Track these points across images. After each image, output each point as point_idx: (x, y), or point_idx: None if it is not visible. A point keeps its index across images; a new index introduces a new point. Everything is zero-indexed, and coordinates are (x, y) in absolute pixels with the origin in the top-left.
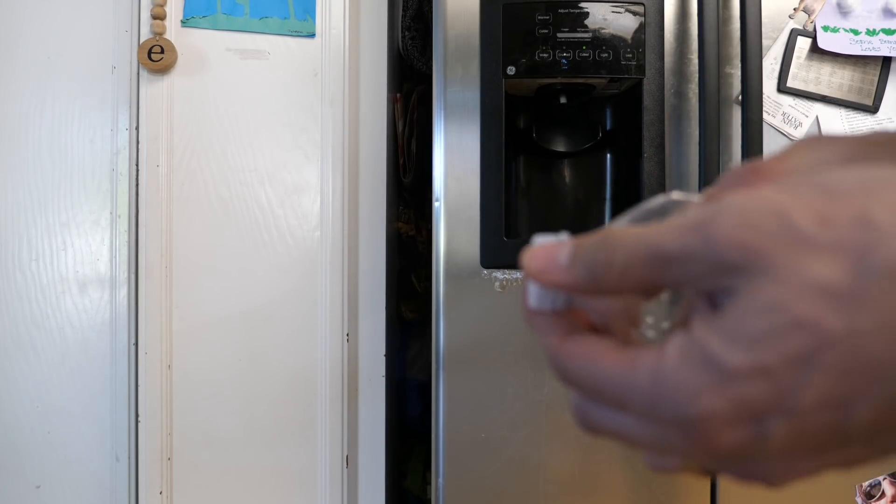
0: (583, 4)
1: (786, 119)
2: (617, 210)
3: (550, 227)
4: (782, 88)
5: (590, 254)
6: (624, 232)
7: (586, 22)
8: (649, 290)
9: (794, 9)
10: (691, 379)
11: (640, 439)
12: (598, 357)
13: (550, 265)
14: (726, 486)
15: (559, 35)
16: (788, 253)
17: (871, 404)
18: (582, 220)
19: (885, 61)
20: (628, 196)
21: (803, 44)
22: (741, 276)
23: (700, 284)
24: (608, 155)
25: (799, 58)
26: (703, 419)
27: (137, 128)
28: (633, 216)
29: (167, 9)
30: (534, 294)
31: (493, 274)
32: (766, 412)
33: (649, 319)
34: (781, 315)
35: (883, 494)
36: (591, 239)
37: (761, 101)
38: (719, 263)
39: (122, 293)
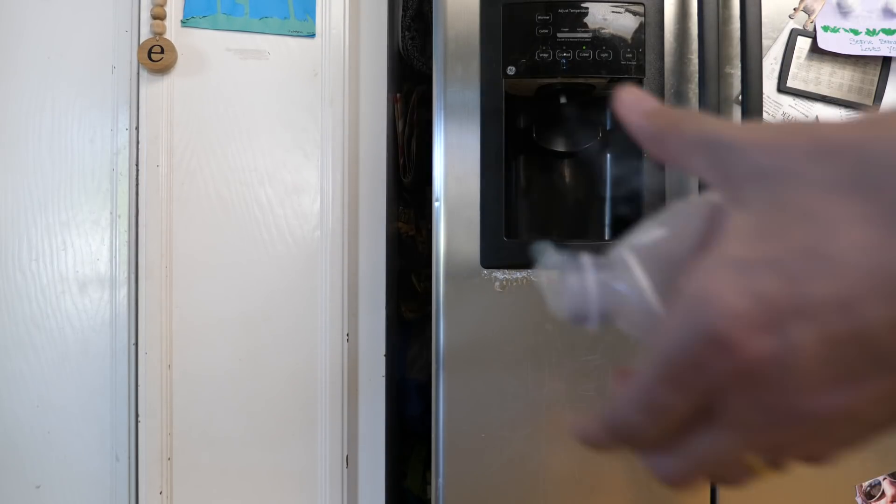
0: (583, 4)
1: (786, 119)
2: (617, 210)
3: (550, 227)
4: (782, 88)
5: (667, 114)
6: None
7: (586, 22)
8: (695, 161)
9: (794, 9)
10: (708, 285)
11: (671, 402)
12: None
13: (638, 105)
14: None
15: (559, 35)
16: (799, 163)
17: (883, 304)
18: (582, 220)
19: (885, 61)
20: (628, 196)
21: (803, 44)
22: (764, 179)
23: (735, 177)
24: (608, 155)
25: (799, 58)
26: (727, 321)
27: (137, 128)
28: (663, 221)
29: (167, 9)
30: (577, 298)
31: (493, 274)
32: (786, 313)
33: None
34: (789, 208)
35: (883, 494)
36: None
37: (761, 101)
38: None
39: (122, 293)
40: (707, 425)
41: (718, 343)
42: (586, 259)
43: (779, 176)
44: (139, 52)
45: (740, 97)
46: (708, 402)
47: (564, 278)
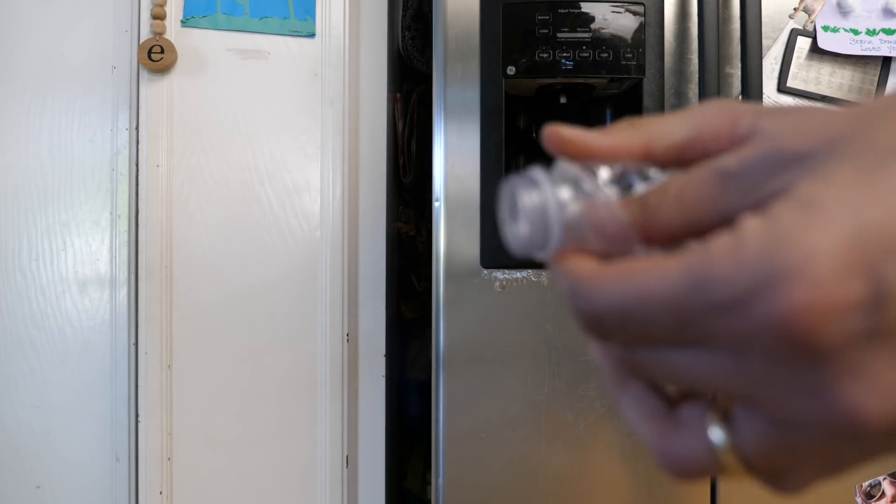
0: (583, 4)
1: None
2: None
3: None
4: (782, 88)
5: (640, 198)
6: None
7: (586, 22)
8: (704, 215)
9: (794, 9)
10: (792, 225)
11: (719, 363)
12: (649, 269)
13: (609, 224)
14: (726, 486)
15: (559, 35)
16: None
17: None
18: None
19: (885, 61)
20: None
21: (803, 44)
22: (814, 157)
23: (764, 186)
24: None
25: (799, 58)
26: (816, 259)
27: (137, 128)
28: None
29: (167, 9)
30: (523, 234)
31: (493, 274)
32: (885, 255)
33: None
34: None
35: (883, 494)
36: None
37: (761, 101)
38: (789, 153)
39: (122, 293)
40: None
41: (798, 282)
42: (539, 172)
43: (818, 155)
44: (139, 52)
45: (740, 97)
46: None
47: (517, 197)
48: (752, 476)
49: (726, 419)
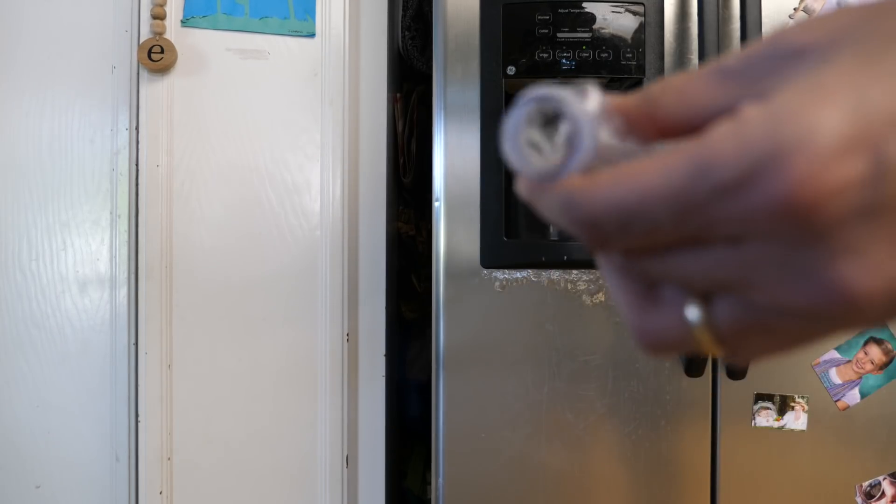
0: (583, 4)
1: None
2: None
3: (551, 226)
4: None
5: (640, 94)
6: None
7: (586, 22)
8: (704, 109)
9: (794, 9)
10: (793, 105)
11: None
12: (645, 166)
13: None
14: (726, 486)
15: (559, 35)
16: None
17: None
18: None
19: None
20: None
21: None
22: (817, 50)
23: (765, 79)
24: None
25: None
26: (818, 135)
27: (137, 128)
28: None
29: (167, 9)
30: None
31: (493, 274)
32: (886, 131)
33: None
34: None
35: (883, 494)
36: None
37: None
38: (791, 47)
39: (122, 293)
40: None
41: (798, 158)
42: (561, 90)
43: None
44: (139, 52)
45: None
46: (728, 236)
47: (550, 105)
48: (718, 350)
49: (703, 298)
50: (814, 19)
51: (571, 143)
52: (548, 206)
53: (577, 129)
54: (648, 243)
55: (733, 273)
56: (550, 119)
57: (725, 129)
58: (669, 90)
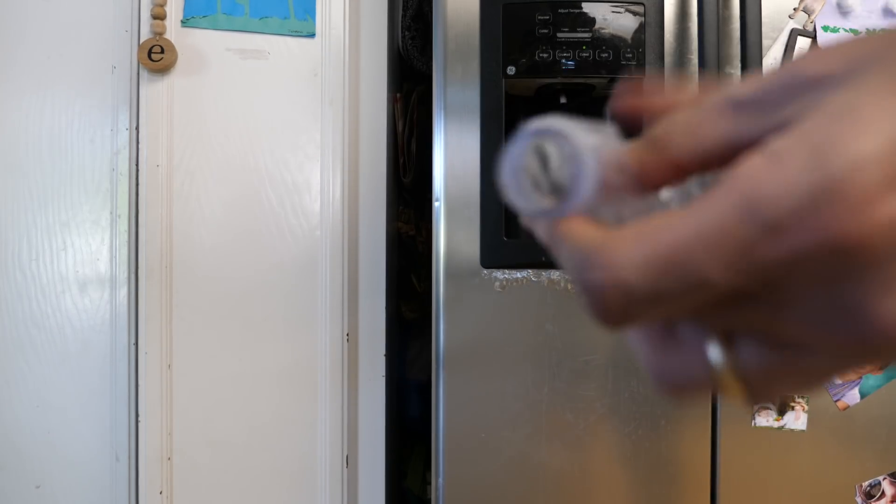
0: (583, 5)
1: None
2: None
3: None
4: None
5: (644, 140)
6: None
7: (586, 22)
8: (716, 145)
9: (794, 9)
10: (830, 134)
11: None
12: (682, 215)
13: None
14: (726, 486)
15: (559, 35)
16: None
17: None
18: None
19: None
20: None
21: (803, 44)
22: (836, 78)
23: (783, 110)
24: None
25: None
26: (865, 167)
27: (137, 128)
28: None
29: (167, 9)
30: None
31: (493, 274)
32: None
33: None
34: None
35: (883, 494)
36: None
37: None
38: (809, 76)
39: (122, 293)
40: (740, 316)
41: (840, 195)
42: (566, 123)
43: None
44: (139, 52)
45: None
46: (762, 284)
47: (544, 146)
48: (743, 391)
49: (725, 338)
50: (827, 49)
51: (573, 179)
52: (565, 261)
53: (578, 166)
54: (685, 306)
55: (767, 314)
56: (551, 154)
57: (762, 164)
58: (677, 128)
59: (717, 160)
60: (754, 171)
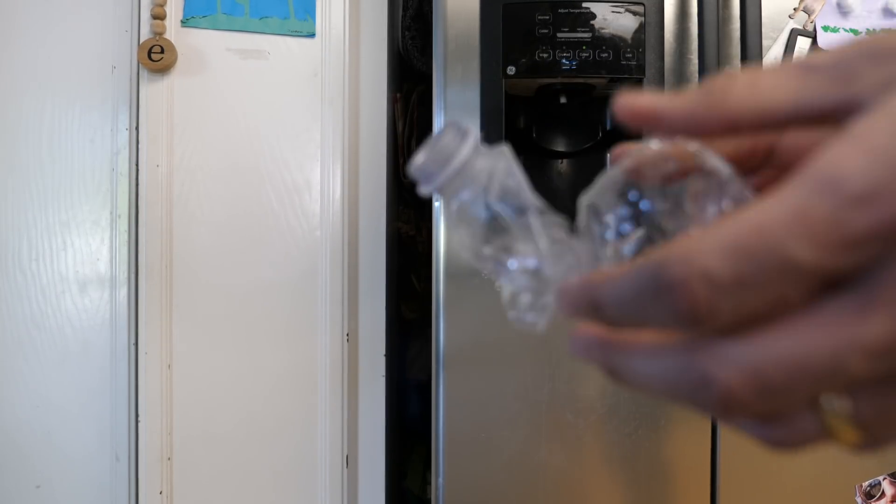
0: (583, 4)
1: None
2: None
3: None
4: None
5: (701, 88)
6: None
7: (586, 22)
8: (779, 105)
9: (794, 9)
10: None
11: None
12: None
13: (654, 108)
14: (726, 486)
15: (559, 35)
16: None
17: None
18: None
19: None
20: None
21: (803, 44)
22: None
23: (860, 78)
24: (608, 155)
25: (799, 58)
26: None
27: (137, 128)
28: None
29: (167, 9)
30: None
31: None
32: None
33: None
34: None
35: (883, 494)
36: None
37: None
38: (889, 48)
39: (122, 293)
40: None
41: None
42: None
43: None
44: (139, 52)
45: None
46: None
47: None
48: (860, 438)
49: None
50: None
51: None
52: (629, 305)
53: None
54: (773, 294)
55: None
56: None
57: (842, 146)
58: (740, 82)
59: (776, 124)
60: (834, 154)
